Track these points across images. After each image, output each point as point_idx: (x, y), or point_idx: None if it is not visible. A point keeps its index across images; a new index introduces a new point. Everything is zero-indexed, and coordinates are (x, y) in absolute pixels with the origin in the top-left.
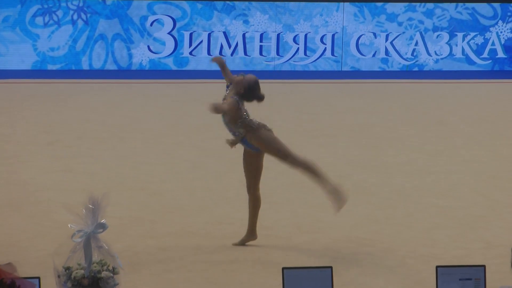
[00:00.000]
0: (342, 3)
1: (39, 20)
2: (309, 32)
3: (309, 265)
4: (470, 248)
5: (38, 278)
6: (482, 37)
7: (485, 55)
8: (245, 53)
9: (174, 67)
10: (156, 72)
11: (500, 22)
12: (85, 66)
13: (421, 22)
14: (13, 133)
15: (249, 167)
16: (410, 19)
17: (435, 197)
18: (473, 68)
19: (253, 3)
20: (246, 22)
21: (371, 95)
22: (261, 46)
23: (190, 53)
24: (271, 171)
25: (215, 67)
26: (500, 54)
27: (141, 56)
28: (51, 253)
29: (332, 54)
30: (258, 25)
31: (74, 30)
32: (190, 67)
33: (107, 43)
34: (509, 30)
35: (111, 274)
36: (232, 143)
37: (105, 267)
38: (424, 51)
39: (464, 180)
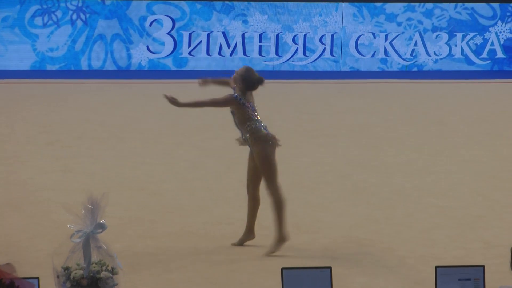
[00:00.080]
0: (341, 3)
1: (38, 20)
2: (308, 32)
3: (308, 265)
4: (469, 248)
5: (37, 278)
6: (481, 37)
7: (484, 55)
8: (244, 53)
9: (173, 67)
10: (155, 72)
11: (499, 22)
12: (84, 66)
13: (420, 22)
14: (13, 133)
15: (251, 169)
16: (409, 19)
17: (435, 197)
18: (473, 68)
19: (252, 3)
20: (245, 22)
21: (371, 95)
22: (260, 46)
23: (189, 53)
24: None
25: (215, 67)
26: (499, 54)
27: (140, 56)
28: (50, 253)
29: (331, 54)
30: (257, 25)
31: (73, 30)
32: (189, 67)
33: (106, 43)
34: (508, 30)
35: (110, 275)
36: (240, 144)
37: (104, 268)
38: (423, 51)
39: (463, 180)
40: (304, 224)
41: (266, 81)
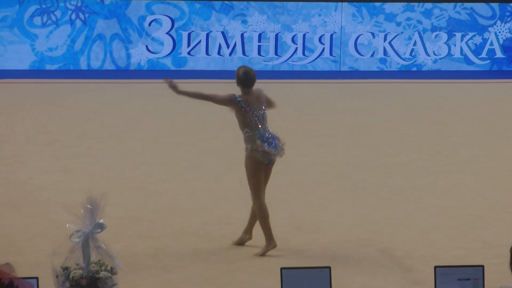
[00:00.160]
0: (341, 3)
1: (37, 20)
2: (308, 32)
3: (307, 265)
4: (469, 248)
5: (37, 278)
6: (481, 37)
7: (483, 55)
8: (244, 53)
9: (172, 67)
10: (154, 72)
11: (498, 22)
12: (83, 66)
13: (419, 22)
14: (12, 133)
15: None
16: (408, 19)
17: (435, 197)
18: (472, 68)
19: (252, 3)
20: (244, 22)
21: (370, 95)
22: (259, 46)
23: (189, 53)
24: None
25: (214, 67)
26: (499, 54)
27: (139, 56)
28: (50, 253)
29: (331, 54)
30: (256, 25)
31: (72, 30)
32: (189, 67)
33: (105, 43)
34: (508, 30)
35: (110, 275)
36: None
37: (103, 267)
38: (422, 51)
39: (463, 180)
40: (304, 224)
41: (265, 81)
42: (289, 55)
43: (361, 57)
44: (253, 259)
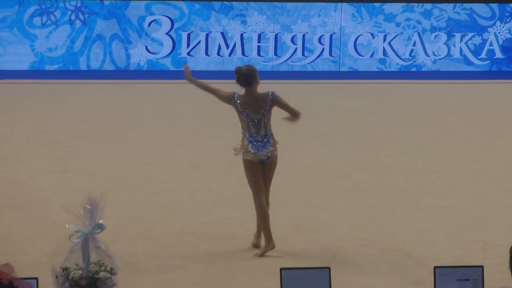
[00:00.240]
0: (340, 3)
1: (37, 20)
2: (307, 33)
3: (307, 266)
4: (468, 248)
5: (36, 278)
6: (480, 37)
7: (483, 55)
8: (243, 54)
9: (172, 68)
10: (154, 73)
11: (498, 22)
12: (83, 66)
13: (419, 22)
14: (12, 133)
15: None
16: (408, 19)
17: (434, 197)
18: (471, 68)
19: (251, 3)
20: (244, 22)
21: (370, 96)
22: (259, 47)
23: (188, 53)
24: None
25: (213, 67)
26: (498, 54)
27: (139, 56)
28: (49, 253)
29: (330, 54)
30: (256, 26)
31: (72, 30)
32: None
33: (105, 43)
34: (507, 31)
35: (109, 275)
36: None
37: (103, 268)
38: (422, 51)
39: (463, 180)
40: (303, 224)
41: (264, 81)
42: (289, 56)
43: (361, 57)
44: (252, 259)
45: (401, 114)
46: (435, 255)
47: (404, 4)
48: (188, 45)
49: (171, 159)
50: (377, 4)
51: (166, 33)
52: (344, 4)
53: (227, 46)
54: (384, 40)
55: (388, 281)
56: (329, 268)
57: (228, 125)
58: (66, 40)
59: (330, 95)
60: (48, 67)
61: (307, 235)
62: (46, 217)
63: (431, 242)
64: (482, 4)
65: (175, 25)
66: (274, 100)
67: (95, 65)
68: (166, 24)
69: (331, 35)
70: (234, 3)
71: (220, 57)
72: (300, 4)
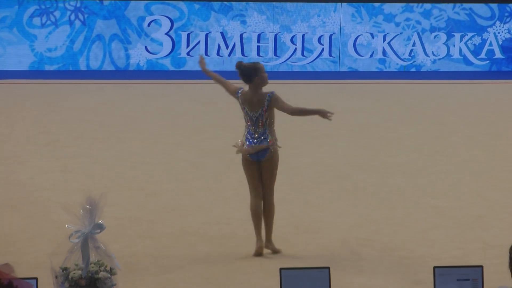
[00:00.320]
0: (340, 3)
1: (36, 20)
2: (307, 33)
3: (306, 266)
4: (468, 248)
5: (36, 278)
6: (480, 37)
7: (482, 55)
8: (243, 54)
9: (171, 68)
10: (153, 73)
11: (497, 22)
12: (82, 66)
13: (418, 22)
14: (12, 133)
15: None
16: (407, 19)
17: (434, 197)
18: (471, 68)
19: (251, 3)
20: (243, 22)
21: (370, 96)
22: (258, 47)
23: (188, 53)
24: None
25: (213, 67)
26: (498, 54)
27: (138, 56)
28: (49, 253)
29: (330, 54)
30: (255, 26)
31: (71, 30)
32: (188, 67)
33: (105, 43)
34: (507, 31)
35: (109, 275)
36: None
37: (102, 268)
38: (421, 51)
39: (463, 180)
40: (303, 224)
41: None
42: (288, 56)
43: (360, 57)
44: (252, 259)
45: (401, 114)
46: (435, 255)
47: (403, 4)
48: (187, 45)
49: (171, 159)
50: (376, 4)
51: (166, 33)
52: (344, 4)
53: (227, 46)
54: (384, 40)
55: (388, 281)
56: (328, 268)
57: (228, 125)
58: (66, 40)
59: (330, 95)
60: (47, 67)
61: (307, 235)
62: (46, 217)
63: (431, 242)
64: (482, 4)
65: (175, 25)
66: (271, 102)
67: (94, 65)
68: (166, 24)
69: (330, 35)
70: (233, 3)
71: (219, 57)
72: (300, 4)
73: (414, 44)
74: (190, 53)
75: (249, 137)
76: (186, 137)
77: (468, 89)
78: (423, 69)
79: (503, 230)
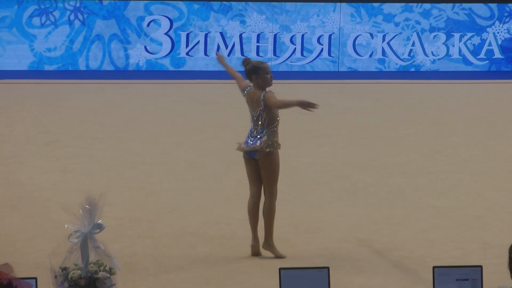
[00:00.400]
0: (339, 3)
1: (36, 20)
2: (306, 33)
3: (306, 266)
4: (468, 248)
5: (35, 278)
6: (479, 37)
7: (482, 55)
8: (242, 54)
9: (171, 68)
10: (153, 73)
11: (497, 22)
12: (82, 66)
13: (418, 22)
14: (11, 133)
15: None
16: (407, 19)
17: (434, 197)
18: (470, 68)
19: (250, 3)
20: (243, 22)
21: (369, 96)
22: (258, 47)
23: (187, 53)
24: None
25: (212, 67)
26: (497, 54)
27: (138, 56)
28: (49, 253)
29: (329, 54)
30: (255, 26)
31: (71, 30)
32: (187, 67)
33: (104, 43)
34: (506, 31)
35: (108, 275)
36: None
37: (102, 268)
38: (421, 51)
39: (462, 180)
40: (303, 224)
41: None
42: (288, 56)
43: (360, 57)
44: (252, 260)
45: (401, 114)
46: (435, 255)
47: (403, 4)
48: (187, 45)
49: (170, 159)
50: (376, 4)
51: (165, 33)
52: (343, 4)
53: (226, 46)
54: (383, 40)
55: (387, 281)
56: (328, 268)
57: (228, 125)
58: (65, 40)
59: (330, 95)
60: (47, 67)
61: (307, 235)
62: (46, 217)
63: (430, 242)
64: (481, 4)
65: (174, 25)
66: (265, 101)
67: (94, 65)
68: (165, 24)
69: (330, 35)
70: (233, 3)
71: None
72: (299, 4)
73: (413, 44)
74: (190, 53)
75: (248, 135)
76: (186, 137)
77: (467, 89)
78: (423, 69)
79: (503, 230)
